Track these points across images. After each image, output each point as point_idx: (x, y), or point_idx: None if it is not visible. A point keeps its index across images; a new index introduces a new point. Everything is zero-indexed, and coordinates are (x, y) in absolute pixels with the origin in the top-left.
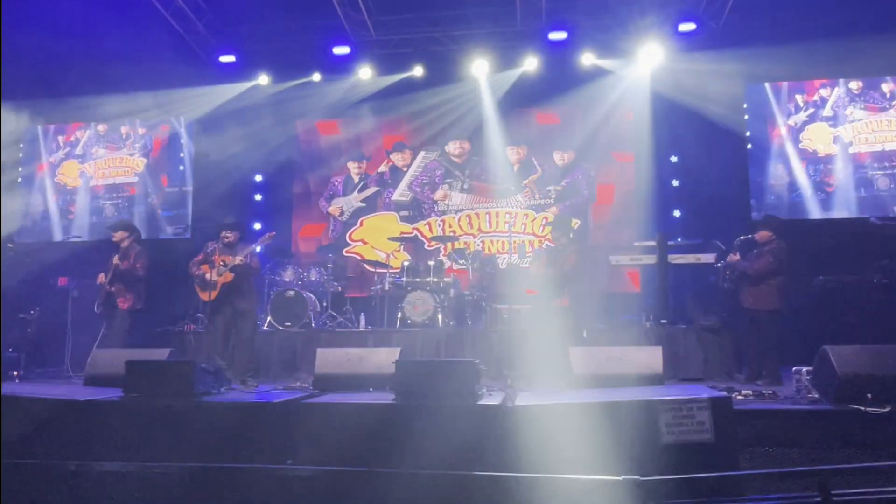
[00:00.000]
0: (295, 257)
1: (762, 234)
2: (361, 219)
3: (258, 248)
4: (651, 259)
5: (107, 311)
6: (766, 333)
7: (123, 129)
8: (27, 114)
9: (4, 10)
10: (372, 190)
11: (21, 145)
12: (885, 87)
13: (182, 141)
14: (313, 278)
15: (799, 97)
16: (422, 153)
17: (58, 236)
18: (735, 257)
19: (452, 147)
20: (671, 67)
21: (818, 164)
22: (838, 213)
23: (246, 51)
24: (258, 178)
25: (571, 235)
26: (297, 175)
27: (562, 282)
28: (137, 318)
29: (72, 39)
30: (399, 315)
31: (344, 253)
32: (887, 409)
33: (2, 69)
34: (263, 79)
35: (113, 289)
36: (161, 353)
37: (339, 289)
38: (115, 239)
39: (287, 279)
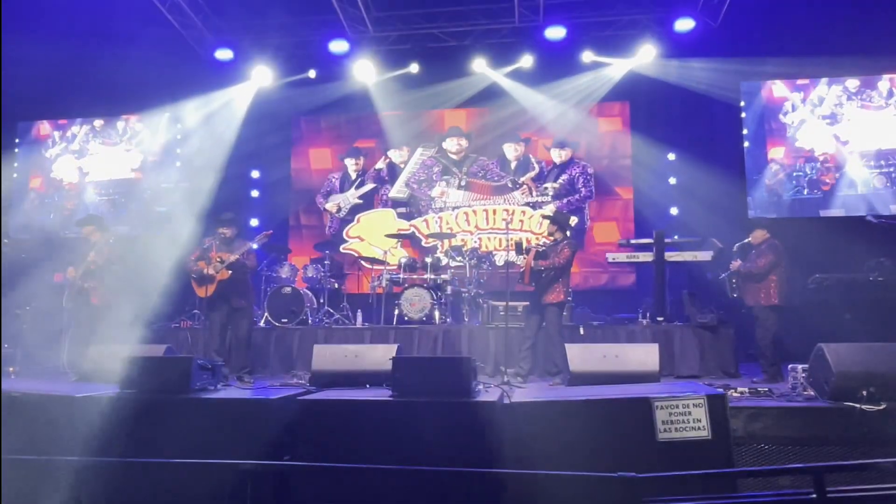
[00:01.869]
0: (292, 253)
1: (757, 235)
2: (358, 216)
3: (255, 246)
4: (648, 256)
5: (78, 306)
6: (766, 329)
7: (120, 125)
8: (23, 110)
9: (3, 4)
10: (369, 187)
11: (17, 140)
12: (883, 85)
13: (178, 136)
14: (310, 275)
15: (796, 95)
16: (419, 150)
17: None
18: (737, 263)
19: (450, 144)
20: (669, 65)
21: (815, 163)
22: (835, 211)
23: (243, 47)
24: (255, 174)
25: (568, 232)
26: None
27: (554, 275)
28: (113, 313)
29: (68, 35)
30: (396, 312)
31: (341, 249)
32: (882, 407)
33: (1, 66)
34: (260, 74)
35: (87, 285)
36: (158, 350)
37: (336, 285)
38: (84, 234)
39: (284, 276)
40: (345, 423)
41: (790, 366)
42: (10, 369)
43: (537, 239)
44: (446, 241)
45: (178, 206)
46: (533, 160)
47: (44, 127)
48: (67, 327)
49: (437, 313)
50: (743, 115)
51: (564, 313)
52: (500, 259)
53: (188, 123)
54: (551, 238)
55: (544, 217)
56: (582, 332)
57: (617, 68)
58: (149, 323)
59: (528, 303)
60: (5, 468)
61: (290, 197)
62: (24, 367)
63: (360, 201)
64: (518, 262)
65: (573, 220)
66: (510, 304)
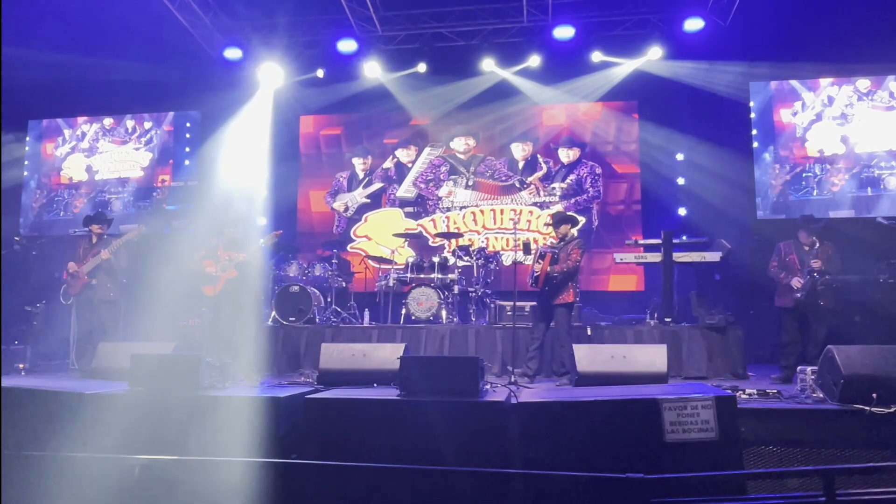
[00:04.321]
0: (300, 252)
1: (812, 237)
2: (366, 215)
3: (262, 244)
4: (656, 257)
5: (81, 302)
6: (826, 328)
7: (129, 123)
8: (33, 108)
9: (7, 4)
10: (377, 186)
11: (27, 139)
12: (893, 85)
13: (187, 135)
14: (318, 273)
15: (806, 96)
16: (427, 149)
17: None
18: (818, 262)
19: (457, 144)
20: (677, 65)
21: (824, 164)
22: (844, 212)
23: (252, 46)
24: (263, 173)
25: (574, 232)
26: (302, 170)
27: (565, 278)
28: (119, 310)
29: (78, 33)
30: (403, 311)
31: (348, 248)
32: (892, 409)
33: (2, 65)
34: (269, 74)
35: (94, 281)
36: (166, 347)
37: (344, 284)
38: (96, 231)
39: (292, 274)
40: (352, 421)
41: (799, 368)
42: (20, 366)
43: (544, 240)
44: (453, 241)
45: (187, 204)
46: (541, 160)
47: (53, 125)
48: (75, 324)
49: (444, 313)
50: (752, 115)
51: (573, 313)
52: (507, 259)
53: (196, 122)
54: (558, 237)
55: (549, 224)
56: (589, 332)
57: (625, 68)
58: (157, 320)
59: (535, 303)
60: (14, 464)
61: (295, 199)
62: (34, 364)
63: (368, 200)
64: (526, 263)
65: (581, 220)
66: (517, 304)
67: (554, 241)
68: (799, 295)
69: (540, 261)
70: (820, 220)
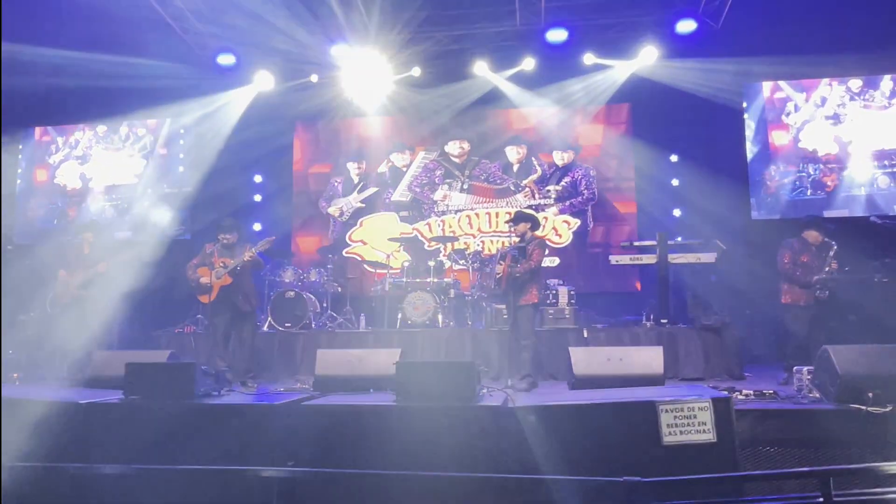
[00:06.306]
0: (295, 257)
1: (824, 237)
2: (361, 219)
3: (256, 251)
4: (651, 258)
5: (68, 312)
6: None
7: (123, 130)
8: (27, 116)
9: (4, 10)
10: (371, 190)
11: (21, 147)
12: (885, 85)
13: (181, 142)
14: (313, 279)
15: (799, 96)
16: (421, 153)
17: None
18: (836, 264)
19: (452, 147)
20: (671, 66)
21: (818, 163)
22: (838, 212)
23: (245, 51)
24: (258, 178)
25: (535, 232)
26: (296, 176)
27: (529, 278)
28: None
29: (71, 40)
30: (399, 316)
31: (344, 253)
32: (888, 409)
33: (1, 69)
34: (262, 79)
35: (85, 293)
36: (161, 355)
37: (339, 289)
38: (88, 240)
39: (287, 280)
40: (348, 428)
41: (795, 368)
42: (14, 375)
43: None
44: (449, 245)
45: (181, 211)
46: (535, 163)
47: (47, 133)
48: (64, 333)
49: (440, 317)
50: (745, 116)
51: (567, 315)
52: None
53: (189, 128)
54: (518, 235)
55: (509, 222)
56: (586, 335)
57: (619, 70)
58: (151, 328)
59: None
60: (8, 475)
61: (292, 205)
62: (29, 373)
63: (363, 205)
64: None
65: (576, 223)
66: None
67: (514, 241)
68: (824, 294)
69: (501, 262)
70: (832, 221)
